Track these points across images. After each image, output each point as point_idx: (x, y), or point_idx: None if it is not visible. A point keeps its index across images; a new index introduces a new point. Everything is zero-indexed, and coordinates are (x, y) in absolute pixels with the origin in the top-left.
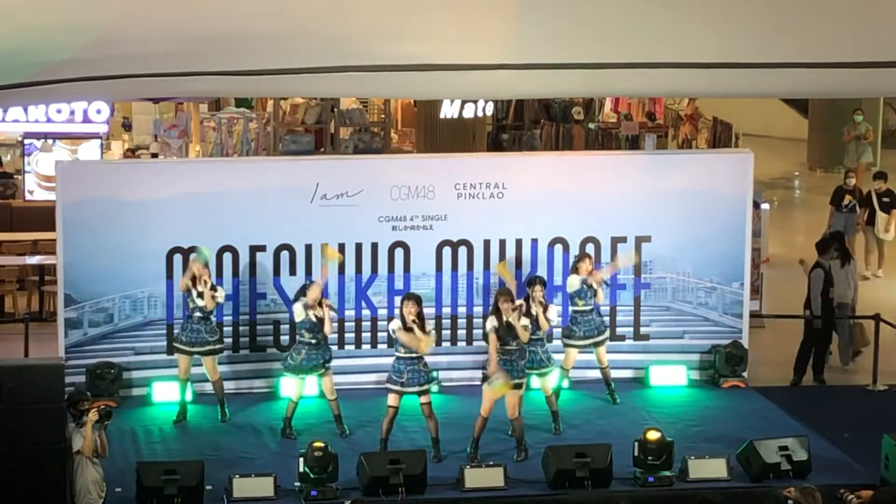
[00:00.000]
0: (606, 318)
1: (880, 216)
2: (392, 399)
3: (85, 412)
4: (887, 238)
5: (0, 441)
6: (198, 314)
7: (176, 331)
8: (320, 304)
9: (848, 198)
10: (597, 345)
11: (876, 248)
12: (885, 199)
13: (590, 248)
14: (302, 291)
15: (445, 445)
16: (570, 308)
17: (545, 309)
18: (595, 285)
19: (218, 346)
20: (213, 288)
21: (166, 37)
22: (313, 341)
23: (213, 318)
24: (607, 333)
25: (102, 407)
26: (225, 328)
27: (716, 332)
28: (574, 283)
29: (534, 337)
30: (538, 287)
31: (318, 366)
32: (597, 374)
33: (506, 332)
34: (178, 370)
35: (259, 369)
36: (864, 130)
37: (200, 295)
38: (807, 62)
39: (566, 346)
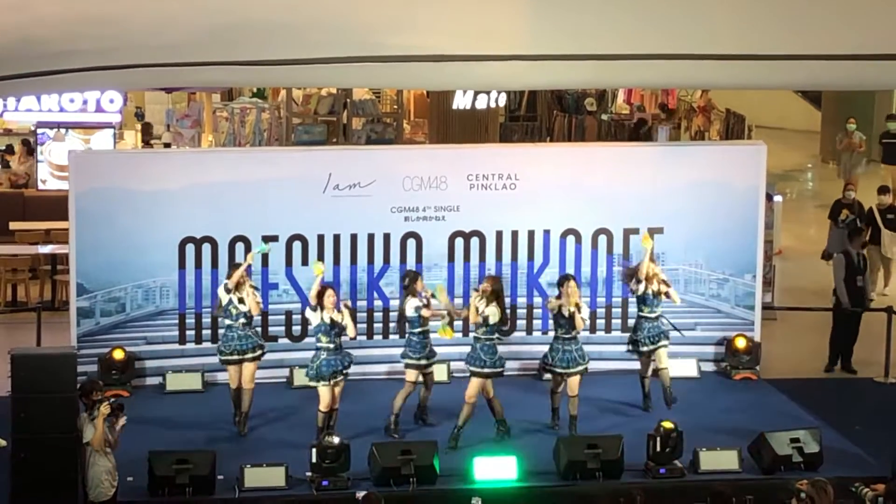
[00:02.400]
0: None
1: (885, 233)
2: (412, 375)
3: (97, 403)
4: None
5: (12, 430)
6: (242, 320)
7: (216, 343)
8: (337, 306)
9: (845, 212)
10: (659, 349)
11: (881, 266)
12: (890, 216)
13: (602, 240)
14: (319, 297)
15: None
16: (637, 314)
17: (579, 308)
18: (661, 289)
19: (264, 350)
20: (255, 289)
21: (179, 26)
22: (331, 346)
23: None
24: (668, 338)
25: (114, 400)
26: None
27: (728, 325)
28: (639, 289)
29: (566, 336)
30: (572, 284)
31: (337, 372)
32: (609, 365)
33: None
34: (230, 381)
35: (271, 359)
36: (858, 140)
37: (242, 300)
38: (823, 54)
39: (633, 351)
